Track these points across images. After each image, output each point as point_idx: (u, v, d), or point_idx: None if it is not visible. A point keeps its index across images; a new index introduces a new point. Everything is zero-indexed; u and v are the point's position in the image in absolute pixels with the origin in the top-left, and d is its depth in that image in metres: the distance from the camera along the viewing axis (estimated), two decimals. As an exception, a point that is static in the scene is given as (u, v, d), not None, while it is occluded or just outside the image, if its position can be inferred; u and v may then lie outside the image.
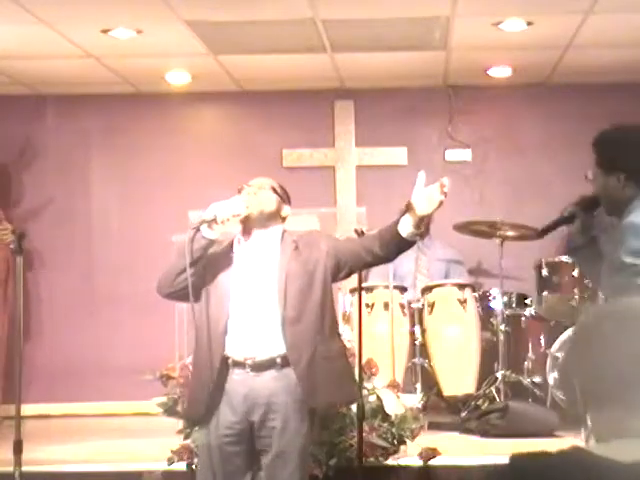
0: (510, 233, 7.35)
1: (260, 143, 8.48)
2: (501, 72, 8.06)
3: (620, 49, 7.39)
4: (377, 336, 6.85)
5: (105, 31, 6.75)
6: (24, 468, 4.99)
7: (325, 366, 4.26)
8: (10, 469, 4.97)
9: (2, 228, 7.81)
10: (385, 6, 6.41)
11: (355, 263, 4.36)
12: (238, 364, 4.24)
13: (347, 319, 7.04)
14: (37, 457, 5.66)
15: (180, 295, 4.26)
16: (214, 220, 4.19)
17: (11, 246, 7.71)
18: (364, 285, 5.87)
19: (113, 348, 8.15)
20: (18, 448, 4.96)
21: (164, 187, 8.20)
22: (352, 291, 7.07)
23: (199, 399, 4.30)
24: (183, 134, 8.54)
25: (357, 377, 4.86)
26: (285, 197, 4.43)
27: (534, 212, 8.07)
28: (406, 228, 4.20)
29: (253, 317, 4.24)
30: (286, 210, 4.41)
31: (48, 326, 8.38)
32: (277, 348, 4.22)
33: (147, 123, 8.53)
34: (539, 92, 8.42)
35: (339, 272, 4.35)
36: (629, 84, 8.19)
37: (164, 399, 5.39)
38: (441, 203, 4.14)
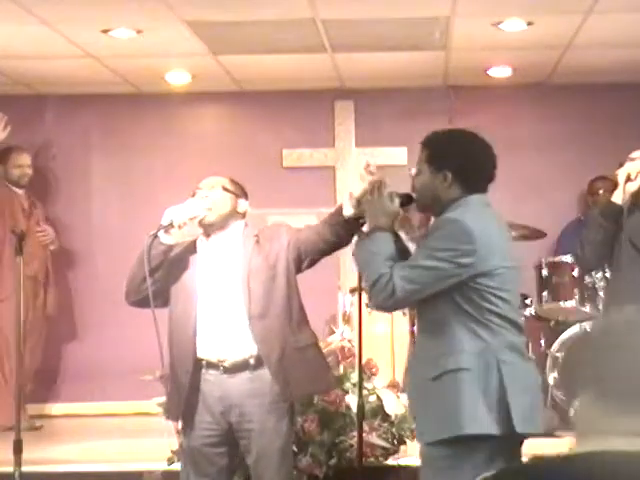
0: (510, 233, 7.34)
1: (260, 143, 8.48)
2: (501, 72, 8.05)
3: (620, 49, 7.39)
4: (377, 336, 6.85)
5: (105, 31, 6.75)
6: (24, 468, 5.00)
7: (297, 358, 4.25)
8: (10, 469, 4.98)
9: (40, 230, 7.76)
10: (385, 6, 6.40)
11: (313, 251, 4.32)
12: (212, 365, 4.24)
13: (347, 319, 7.04)
14: (37, 457, 5.66)
15: (147, 302, 4.24)
16: (171, 225, 4.20)
17: (51, 247, 7.79)
18: (364, 285, 5.86)
19: (113, 348, 8.14)
20: (18, 448, 4.97)
21: (164, 187, 8.19)
22: (352, 291, 7.07)
23: (177, 402, 4.30)
24: (183, 134, 8.54)
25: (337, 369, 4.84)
26: (240, 192, 4.38)
27: (534, 212, 8.09)
28: (347, 210, 4.22)
29: (221, 317, 4.23)
30: (242, 205, 4.37)
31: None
32: (249, 348, 4.21)
33: (147, 123, 8.53)
34: (539, 92, 8.42)
35: (302, 263, 4.32)
36: (629, 84, 8.19)
37: (164, 399, 5.39)
38: (371, 183, 4.16)
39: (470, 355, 3.52)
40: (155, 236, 4.21)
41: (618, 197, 4.87)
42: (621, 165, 5.15)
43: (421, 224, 8.06)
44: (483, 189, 3.72)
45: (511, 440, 3.55)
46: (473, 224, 3.56)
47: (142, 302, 4.27)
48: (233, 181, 4.40)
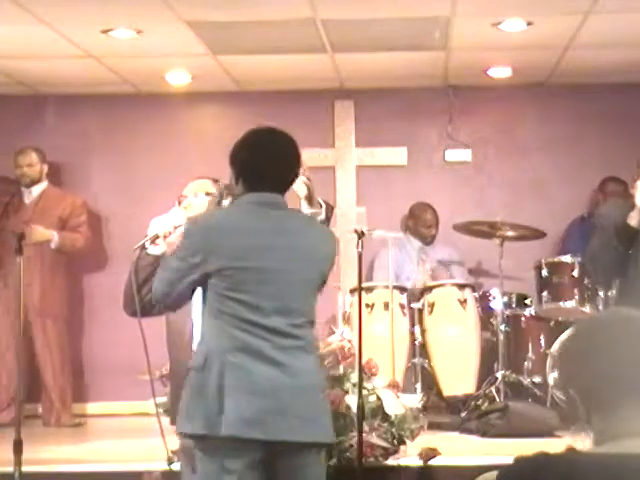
0: (510, 233, 7.35)
1: (260, 143, 8.46)
2: (501, 72, 8.05)
3: (620, 49, 7.39)
4: (377, 336, 6.85)
5: (105, 31, 6.75)
6: (24, 468, 5.00)
7: None
8: (10, 469, 4.97)
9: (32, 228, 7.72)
10: (385, 6, 6.41)
11: None
12: None
13: (347, 319, 7.04)
14: (37, 457, 5.66)
15: (144, 312, 4.24)
16: (156, 236, 4.21)
17: (52, 246, 7.67)
18: (364, 285, 5.87)
19: (113, 348, 8.14)
20: (18, 448, 4.97)
21: (164, 187, 8.17)
22: (352, 291, 7.07)
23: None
24: (183, 134, 8.53)
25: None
26: (225, 193, 4.39)
27: (534, 212, 8.09)
28: (304, 209, 4.23)
29: None
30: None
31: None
32: None
33: (147, 123, 8.52)
34: (539, 92, 8.42)
35: None
36: (629, 84, 8.19)
37: (164, 399, 5.39)
38: (308, 180, 4.22)
39: (200, 354, 3.59)
40: (142, 248, 4.23)
41: (634, 219, 4.82)
42: (638, 163, 5.11)
43: (431, 224, 8.08)
44: (267, 188, 3.69)
45: (252, 445, 3.52)
46: (209, 223, 3.68)
47: (140, 312, 4.28)
48: (217, 182, 4.40)
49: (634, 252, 4.80)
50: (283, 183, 3.75)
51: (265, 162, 3.76)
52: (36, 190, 7.92)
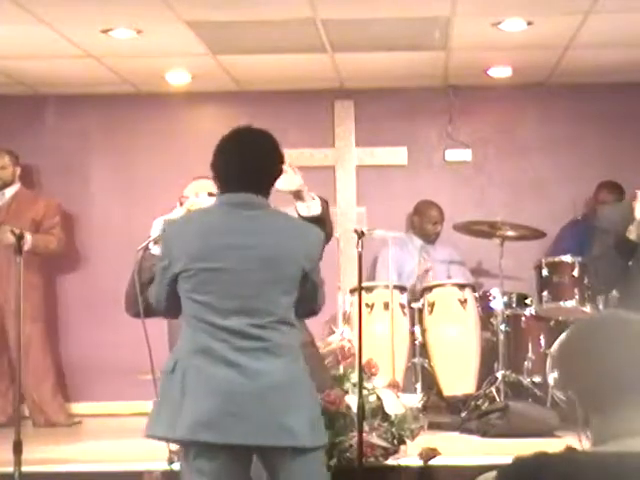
0: (510, 233, 7.35)
1: (260, 143, 8.46)
2: (501, 72, 8.05)
3: (620, 49, 7.39)
4: (377, 336, 6.85)
5: (105, 31, 6.75)
6: (24, 468, 5.00)
7: None
8: (10, 469, 4.97)
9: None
10: (385, 6, 6.41)
11: None
12: None
13: (347, 319, 7.04)
14: (37, 457, 5.66)
15: (147, 313, 4.25)
16: (159, 236, 4.22)
17: (25, 248, 7.67)
18: (364, 285, 5.87)
19: (113, 348, 8.14)
20: (18, 448, 4.97)
21: (164, 187, 8.18)
22: (352, 291, 7.08)
23: None
24: (183, 134, 8.53)
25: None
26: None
27: (534, 212, 8.09)
28: (300, 209, 4.24)
29: None
30: None
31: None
32: None
33: (147, 123, 8.52)
34: (539, 92, 8.42)
35: None
36: (629, 84, 8.19)
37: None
38: (299, 182, 4.23)
39: (171, 358, 3.62)
40: (145, 249, 4.23)
41: (633, 232, 4.83)
42: None
43: (437, 221, 8.08)
44: (241, 188, 3.68)
45: (216, 447, 3.50)
46: (173, 226, 3.74)
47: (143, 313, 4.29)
48: None
49: (634, 262, 4.81)
50: (260, 183, 3.71)
51: (238, 162, 3.71)
52: (9, 192, 7.91)
